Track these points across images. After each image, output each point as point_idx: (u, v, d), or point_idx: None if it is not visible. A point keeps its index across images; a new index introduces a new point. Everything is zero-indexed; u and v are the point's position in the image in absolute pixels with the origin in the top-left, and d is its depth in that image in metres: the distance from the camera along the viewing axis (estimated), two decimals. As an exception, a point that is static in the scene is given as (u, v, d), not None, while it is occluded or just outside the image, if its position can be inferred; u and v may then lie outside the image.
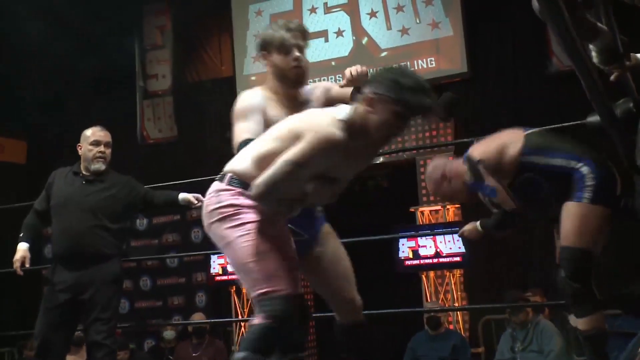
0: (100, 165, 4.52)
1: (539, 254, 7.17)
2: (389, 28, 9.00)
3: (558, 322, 5.83)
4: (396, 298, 8.50)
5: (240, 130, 3.11)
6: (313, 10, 9.41)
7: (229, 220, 2.77)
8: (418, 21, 8.83)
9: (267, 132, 2.85)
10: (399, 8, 8.94)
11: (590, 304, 3.32)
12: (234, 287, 8.86)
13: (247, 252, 2.72)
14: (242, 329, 8.83)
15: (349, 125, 2.63)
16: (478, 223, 3.94)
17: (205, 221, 2.85)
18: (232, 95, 9.50)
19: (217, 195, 2.80)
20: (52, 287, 4.46)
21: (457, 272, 8.02)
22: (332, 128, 2.60)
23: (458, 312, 7.80)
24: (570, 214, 3.37)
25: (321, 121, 2.65)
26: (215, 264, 8.83)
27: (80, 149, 4.58)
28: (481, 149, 3.65)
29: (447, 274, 7.99)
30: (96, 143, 4.53)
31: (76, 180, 4.54)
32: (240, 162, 2.82)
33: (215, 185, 2.85)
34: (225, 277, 8.77)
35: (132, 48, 10.38)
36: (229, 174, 2.81)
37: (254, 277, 2.71)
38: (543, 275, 6.79)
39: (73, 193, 4.50)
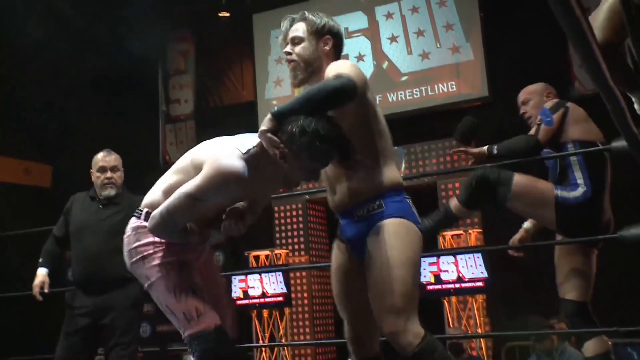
0: (109, 192, 4.47)
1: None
2: (410, 52, 8.98)
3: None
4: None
5: None
6: (334, 35, 9.42)
7: (149, 259, 2.70)
8: (438, 46, 8.80)
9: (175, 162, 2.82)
10: (420, 33, 8.92)
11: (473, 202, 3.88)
12: (255, 311, 8.84)
13: (168, 295, 2.67)
14: (263, 353, 8.77)
15: (253, 158, 2.54)
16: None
17: (127, 260, 2.76)
18: (254, 120, 9.54)
19: (136, 233, 2.72)
20: (72, 312, 4.42)
21: (480, 297, 7.93)
22: (232, 161, 2.49)
23: (481, 339, 7.70)
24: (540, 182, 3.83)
25: (222, 154, 2.54)
26: (237, 288, 8.83)
27: (92, 174, 4.56)
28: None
29: (470, 299, 7.90)
30: (102, 169, 4.48)
31: (93, 204, 4.51)
32: (153, 196, 2.75)
33: (134, 222, 2.75)
34: (246, 301, 8.76)
35: (155, 73, 10.43)
36: (145, 210, 2.71)
37: (180, 318, 2.67)
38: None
39: (89, 218, 4.47)
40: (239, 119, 9.77)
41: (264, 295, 8.72)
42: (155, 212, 2.57)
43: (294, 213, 9.36)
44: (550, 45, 7.61)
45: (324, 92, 2.53)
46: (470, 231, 8.10)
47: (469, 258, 7.77)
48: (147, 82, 10.32)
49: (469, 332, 7.68)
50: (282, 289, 8.65)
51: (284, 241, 9.33)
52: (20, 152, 9.65)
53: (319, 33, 2.83)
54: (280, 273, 8.60)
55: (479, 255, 7.77)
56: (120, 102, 9.88)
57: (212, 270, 2.99)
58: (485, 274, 7.63)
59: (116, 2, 9.10)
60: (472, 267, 7.74)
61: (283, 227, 9.37)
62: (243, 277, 8.77)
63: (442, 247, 8.07)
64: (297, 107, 2.49)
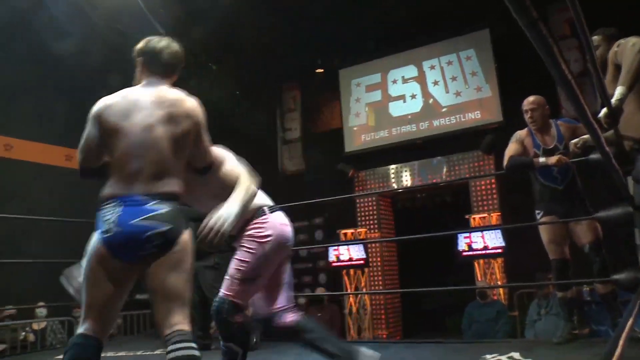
0: None
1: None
2: (447, 92, 8.94)
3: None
4: (456, 278, 8.35)
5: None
6: (395, 81, 9.47)
7: None
8: (467, 87, 8.74)
9: None
10: (454, 78, 8.89)
11: None
12: (344, 270, 8.96)
13: None
14: (351, 298, 8.87)
15: None
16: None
17: None
18: (341, 140, 9.67)
19: None
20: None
21: (500, 260, 7.84)
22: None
23: (500, 288, 7.61)
24: None
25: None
26: (332, 255, 8.95)
27: None
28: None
29: (492, 261, 7.83)
30: None
31: None
32: None
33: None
34: (339, 264, 8.89)
35: (274, 111, 10.68)
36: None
37: None
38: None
39: None
40: (331, 140, 9.94)
41: (350, 259, 8.84)
42: None
43: (370, 204, 9.44)
44: (545, 84, 7.44)
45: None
46: (492, 214, 8.02)
47: (492, 233, 7.69)
48: (269, 118, 10.57)
49: (492, 283, 7.61)
50: (362, 255, 8.76)
51: (363, 222, 9.43)
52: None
53: None
54: (362, 245, 8.71)
55: (499, 231, 7.69)
56: (248, 130, 10.11)
57: None
58: (503, 244, 7.54)
59: (242, 67, 9.32)
60: (494, 239, 7.67)
61: (363, 213, 9.46)
62: (336, 247, 8.91)
63: (473, 225, 8.04)
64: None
